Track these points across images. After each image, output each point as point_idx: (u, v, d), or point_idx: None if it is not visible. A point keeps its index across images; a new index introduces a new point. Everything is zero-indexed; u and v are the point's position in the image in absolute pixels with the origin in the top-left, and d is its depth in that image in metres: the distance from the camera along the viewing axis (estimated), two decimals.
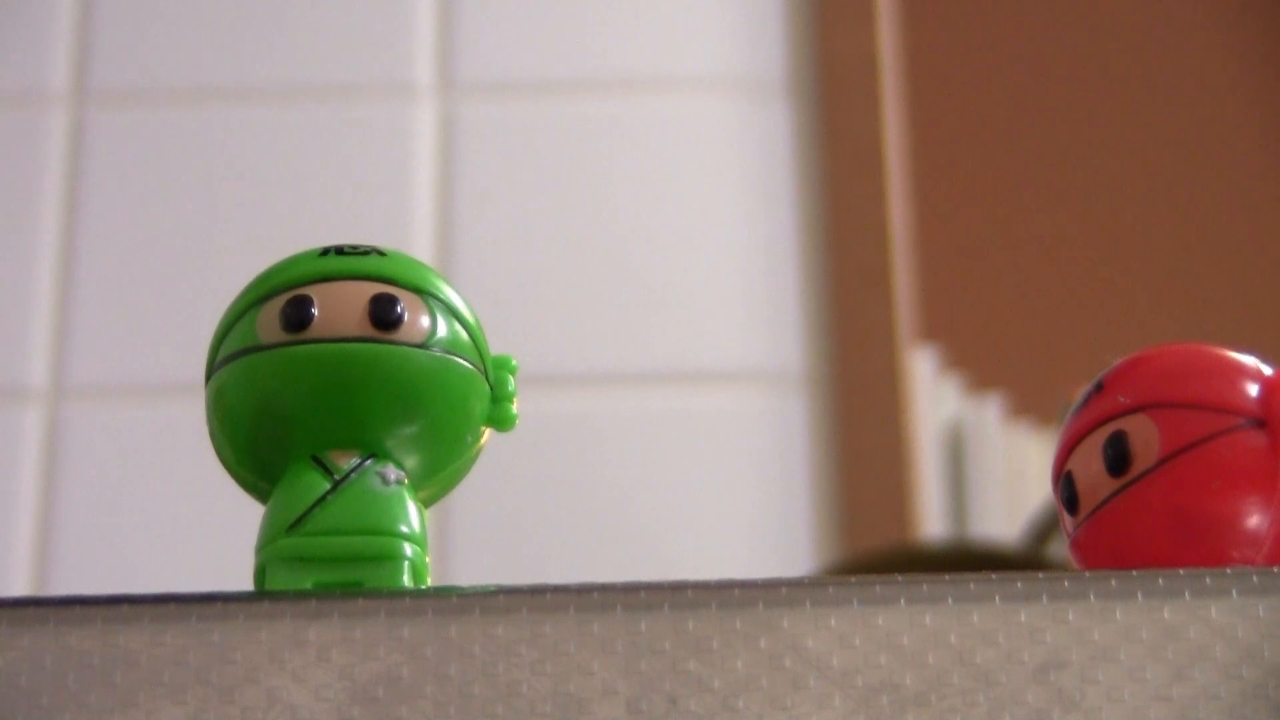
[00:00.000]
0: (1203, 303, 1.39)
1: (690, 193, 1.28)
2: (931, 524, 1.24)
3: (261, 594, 0.37)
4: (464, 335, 0.41)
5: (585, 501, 1.20)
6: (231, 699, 0.35)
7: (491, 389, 0.41)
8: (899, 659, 0.35)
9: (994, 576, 0.37)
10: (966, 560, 1.02)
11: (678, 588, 0.36)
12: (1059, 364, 1.32)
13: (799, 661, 0.35)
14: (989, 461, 1.30)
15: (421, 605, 0.36)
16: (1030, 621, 0.35)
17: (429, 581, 0.40)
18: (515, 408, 0.42)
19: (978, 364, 1.35)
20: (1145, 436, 0.41)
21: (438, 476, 0.41)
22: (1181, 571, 0.36)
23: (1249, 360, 0.43)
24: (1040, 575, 0.36)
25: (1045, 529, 1.07)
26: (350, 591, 0.37)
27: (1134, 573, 0.36)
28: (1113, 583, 0.36)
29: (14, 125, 1.29)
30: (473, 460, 0.42)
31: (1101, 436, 0.42)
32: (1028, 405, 1.34)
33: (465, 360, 0.41)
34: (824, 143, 1.29)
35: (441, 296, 0.41)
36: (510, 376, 0.42)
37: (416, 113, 1.29)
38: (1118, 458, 0.41)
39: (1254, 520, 0.40)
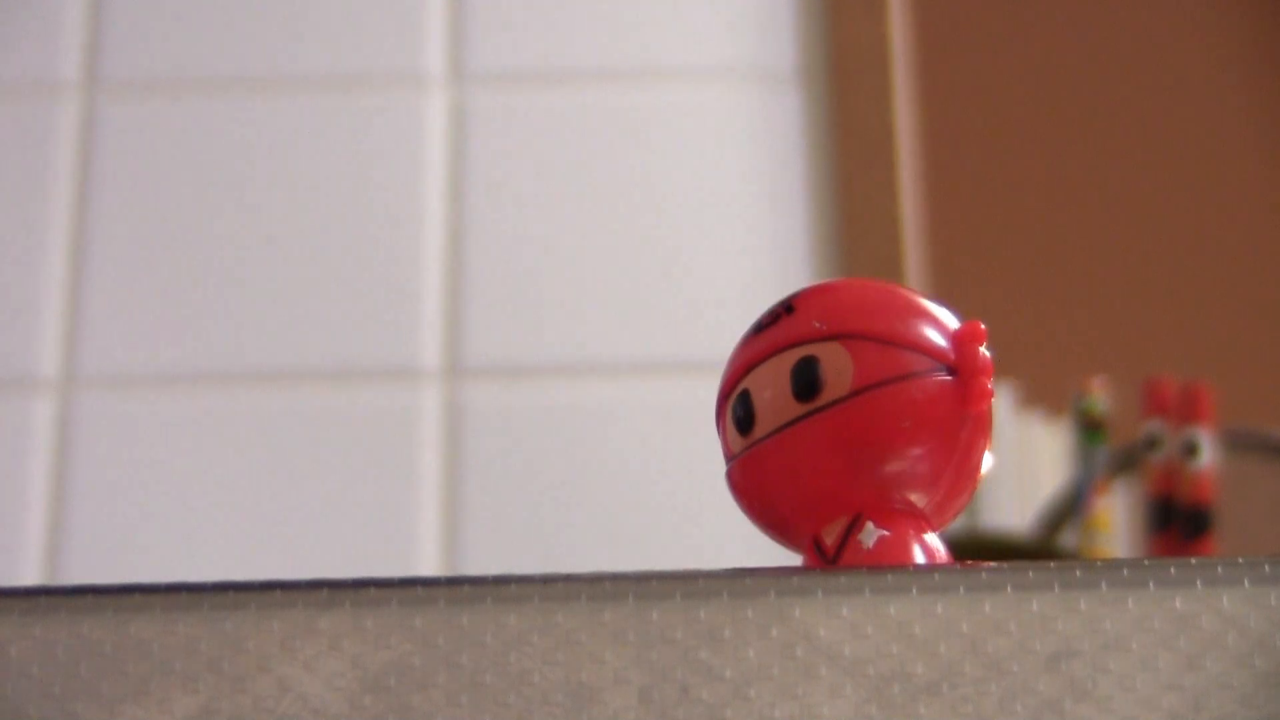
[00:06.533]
0: (1214, 295, 1.39)
1: (701, 182, 1.28)
2: None
3: (273, 583, 0.37)
4: None
5: (598, 490, 1.20)
6: (243, 688, 0.35)
7: None
8: (911, 648, 0.35)
9: (1005, 566, 0.37)
10: (978, 549, 1.02)
11: (689, 577, 0.36)
12: (1071, 354, 1.32)
13: (811, 651, 0.35)
14: (1001, 451, 1.30)
15: (433, 594, 0.36)
16: (1042, 610, 0.35)
17: None
18: None
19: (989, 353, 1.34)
20: (838, 366, 0.41)
21: None
22: (1194, 560, 0.36)
23: (943, 309, 0.43)
24: (1052, 564, 0.36)
25: (1057, 518, 1.07)
26: (361, 580, 0.37)
27: (1145, 561, 0.36)
28: (1124, 571, 0.36)
29: (25, 115, 1.29)
30: None
31: (790, 359, 0.42)
32: (1040, 395, 1.34)
33: None
34: (835, 133, 1.28)
35: None
36: None
37: (427, 102, 1.29)
38: (808, 383, 0.41)
39: (932, 465, 0.41)
